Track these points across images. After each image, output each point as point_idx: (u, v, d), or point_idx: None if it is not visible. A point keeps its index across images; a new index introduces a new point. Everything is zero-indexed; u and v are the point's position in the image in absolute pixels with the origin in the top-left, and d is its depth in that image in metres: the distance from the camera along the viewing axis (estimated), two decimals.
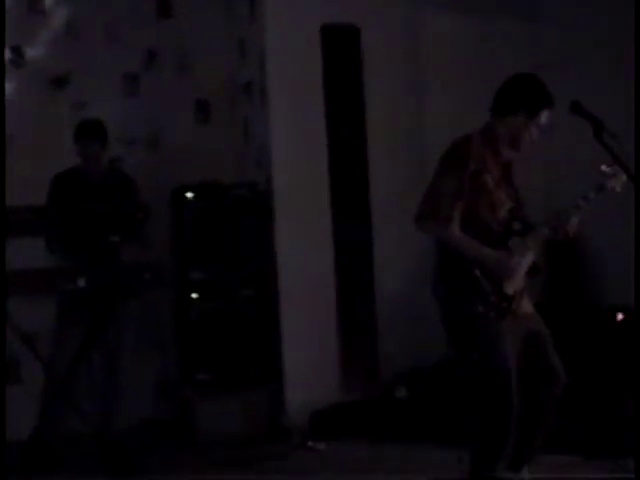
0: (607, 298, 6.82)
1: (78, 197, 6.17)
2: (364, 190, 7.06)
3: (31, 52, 6.83)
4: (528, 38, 7.37)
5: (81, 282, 5.77)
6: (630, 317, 6.12)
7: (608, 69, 6.87)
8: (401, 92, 7.14)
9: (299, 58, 6.84)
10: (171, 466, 6.03)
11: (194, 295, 6.74)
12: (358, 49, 7.02)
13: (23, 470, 5.87)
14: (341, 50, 7.01)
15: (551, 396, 4.50)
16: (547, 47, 7.26)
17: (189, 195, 6.80)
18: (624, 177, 4.43)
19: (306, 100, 6.86)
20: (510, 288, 4.47)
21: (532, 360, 4.48)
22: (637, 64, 6.59)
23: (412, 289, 6.71)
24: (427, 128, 7.13)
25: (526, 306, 4.60)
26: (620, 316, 6.33)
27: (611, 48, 6.80)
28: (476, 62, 7.19)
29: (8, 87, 6.68)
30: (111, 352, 6.22)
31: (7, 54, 6.75)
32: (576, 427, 5.55)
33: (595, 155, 4.29)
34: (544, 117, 4.50)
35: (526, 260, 4.51)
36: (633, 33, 6.45)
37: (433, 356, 6.59)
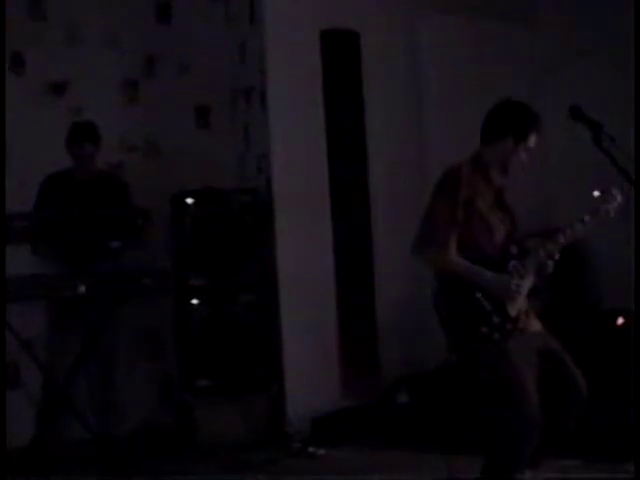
0: (607, 301, 6.81)
1: (71, 200, 6.14)
2: (364, 195, 7.07)
3: (31, 58, 6.83)
4: (527, 41, 7.38)
5: (81, 288, 5.76)
6: (630, 320, 6.12)
7: (607, 72, 6.88)
8: (401, 96, 7.15)
9: (299, 63, 6.85)
10: (171, 471, 6.00)
11: (194, 301, 6.74)
12: (357, 54, 7.04)
13: (23, 475, 5.87)
14: (341, 55, 7.02)
15: (576, 407, 4.48)
16: (546, 50, 7.27)
17: (189, 201, 6.79)
18: (617, 202, 4.52)
19: (306, 105, 6.87)
20: (513, 310, 4.46)
21: (552, 376, 4.46)
22: (637, 66, 6.59)
23: (412, 294, 6.72)
24: (427, 130, 7.14)
25: (534, 324, 4.59)
26: (620, 320, 6.32)
27: (610, 50, 6.81)
28: (476, 65, 7.20)
29: (7, 93, 6.68)
30: (105, 360, 6.20)
31: (7, 60, 6.75)
32: (576, 430, 5.53)
33: (594, 160, 4.30)
34: (532, 140, 4.51)
35: (526, 283, 4.51)
36: (632, 35, 6.45)
37: (434, 360, 6.59)
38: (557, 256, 4.53)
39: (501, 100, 4.62)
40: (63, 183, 6.24)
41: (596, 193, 4.53)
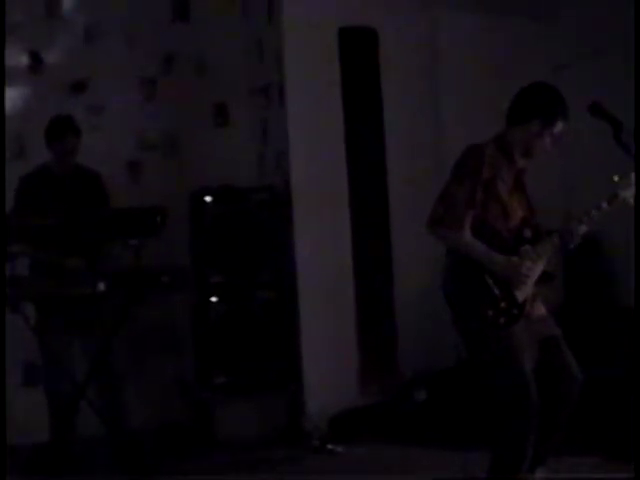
0: (627, 298, 6.78)
1: (55, 196, 6.06)
2: (383, 192, 7.05)
3: (49, 57, 6.85)
4: (544, 38, 7.36)
5: (101, 286, 5.76)
6: None
7: (624, 69, 6.85)
8: (418, 93, 7.13)
9: (317, 60, 6.83)
10: (189, 469, 6.03)
11: (213, 298, 6.75)
12: (375, 51, 7.02)
13: (42, 472, 5.89)
14: (358, 52, 7.00)
15: (570, 397, 4.49)
16: (564, 47, 7.25)
17: (208, 198, 6.80)
18: (633, 189, 4.48)
19: (324, 102, 6.85)
20: (521, 295, 4.46)
21: (549, 363, 4.47)
22: (637, 66, 6.56)
23: (431, 292, 6.67)
24: (445, 128, 7.12)
25: (539, 309, 4.60)
26: None
27: (628, 48, 6.77)
28: (493, 62, 7.18)
29: (26, 92, 6.72)
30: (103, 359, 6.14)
31: (25, 59, 6.79)
32: (595, 428, 5.52)
33: (613, 156, 4.28)
34: (559, 127, 4.50)
35: (537, 267, 4.51)
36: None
37: (452, 358, 6.57)
38: (574, 243, 4.50)
39: (533, 82, 4.60)
40: (44, 181, 6.13)
41: (616, 178, 4.51)
